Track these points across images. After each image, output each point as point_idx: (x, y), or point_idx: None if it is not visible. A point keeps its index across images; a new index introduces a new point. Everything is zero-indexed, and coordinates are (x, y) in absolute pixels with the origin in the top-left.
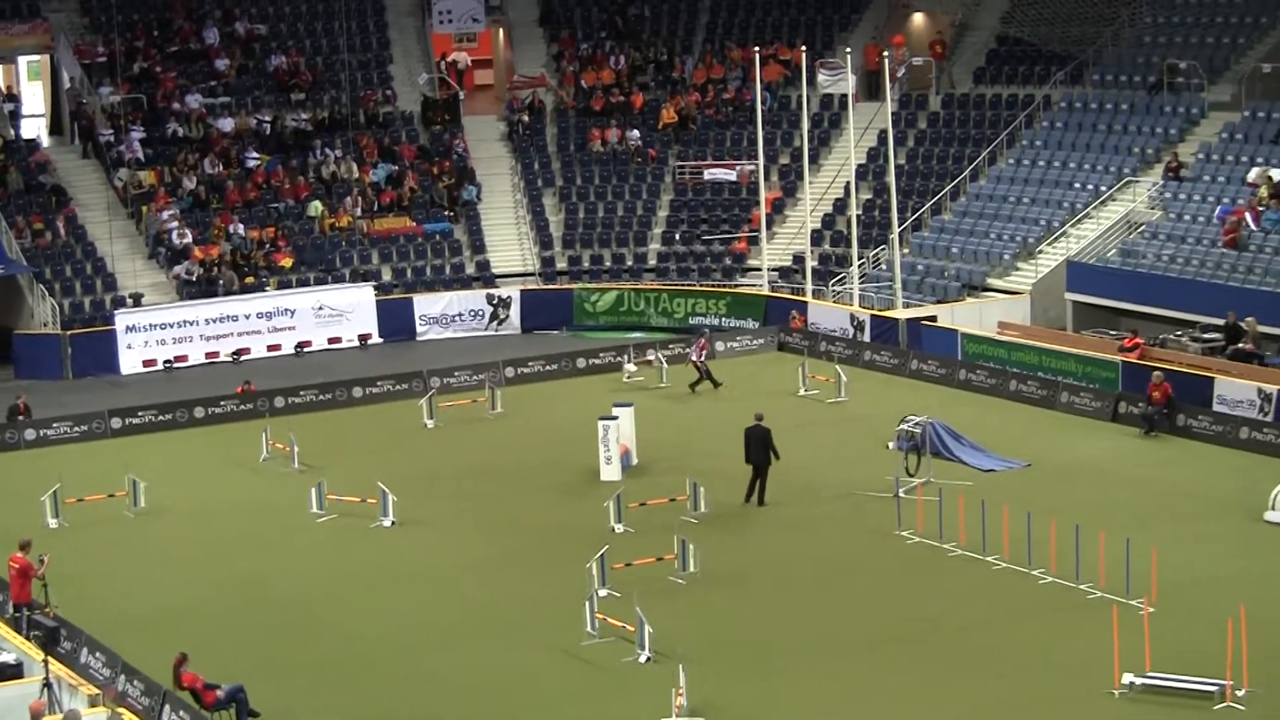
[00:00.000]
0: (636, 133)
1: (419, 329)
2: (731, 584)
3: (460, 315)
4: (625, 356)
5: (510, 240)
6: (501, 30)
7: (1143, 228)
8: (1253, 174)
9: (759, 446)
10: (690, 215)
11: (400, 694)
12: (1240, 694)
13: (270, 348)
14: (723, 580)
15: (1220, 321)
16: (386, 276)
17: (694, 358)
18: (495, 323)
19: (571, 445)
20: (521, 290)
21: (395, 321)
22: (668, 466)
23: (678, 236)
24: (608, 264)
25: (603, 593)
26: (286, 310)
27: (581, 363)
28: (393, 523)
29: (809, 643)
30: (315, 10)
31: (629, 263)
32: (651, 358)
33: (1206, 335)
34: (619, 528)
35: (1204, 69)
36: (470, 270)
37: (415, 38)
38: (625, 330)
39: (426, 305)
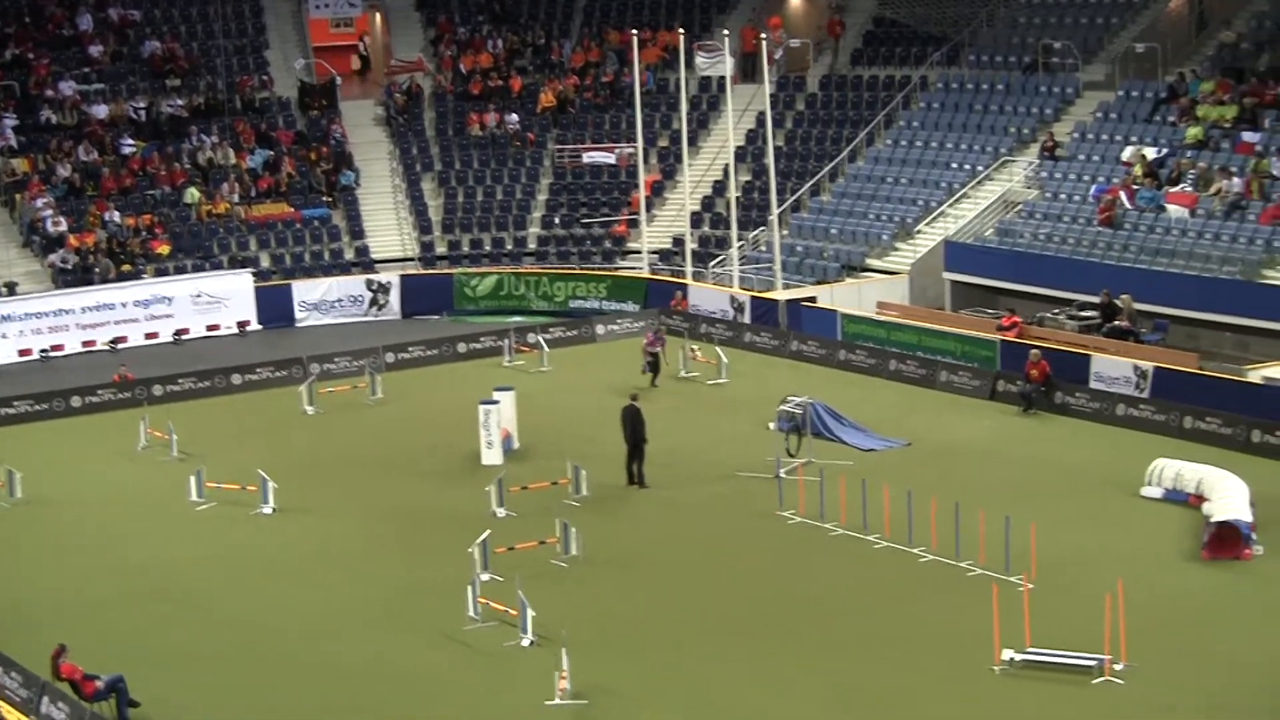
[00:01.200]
0: (515, 117)
1: (298, 315)
2: (614, 566)
3: (340, 301)
4: (505, 341)
5: (389, 225)
6: (379, 15)
7: (1019, 207)
8: (1127, 152)
9: (634, 426)
10: (570, 199)
11: (283, 681)
12: (1118, 668)
13: (148, 336)
14: (605, 563)
15: (1096, 299)
16: (265, 263)
17: (649, 348)
18: (375, 308)
19: (452, 430)
20: (401, 275)
21: (274, 308)
22: (549, 450)
23: (557, 220)
24: (487, 248)
25: (485, 577)
26: (164, 298)
27: (462, 347)
28: (273, 510)
29: (691, 624)
30: None
31: (509, 247)
32: (532, 342)
33: (1083, 313)
34: (501, 512)
35: (1078, 49)
36: (349, 256)
37: (291, 23)
38: (505, 314)
39: (305, 291)
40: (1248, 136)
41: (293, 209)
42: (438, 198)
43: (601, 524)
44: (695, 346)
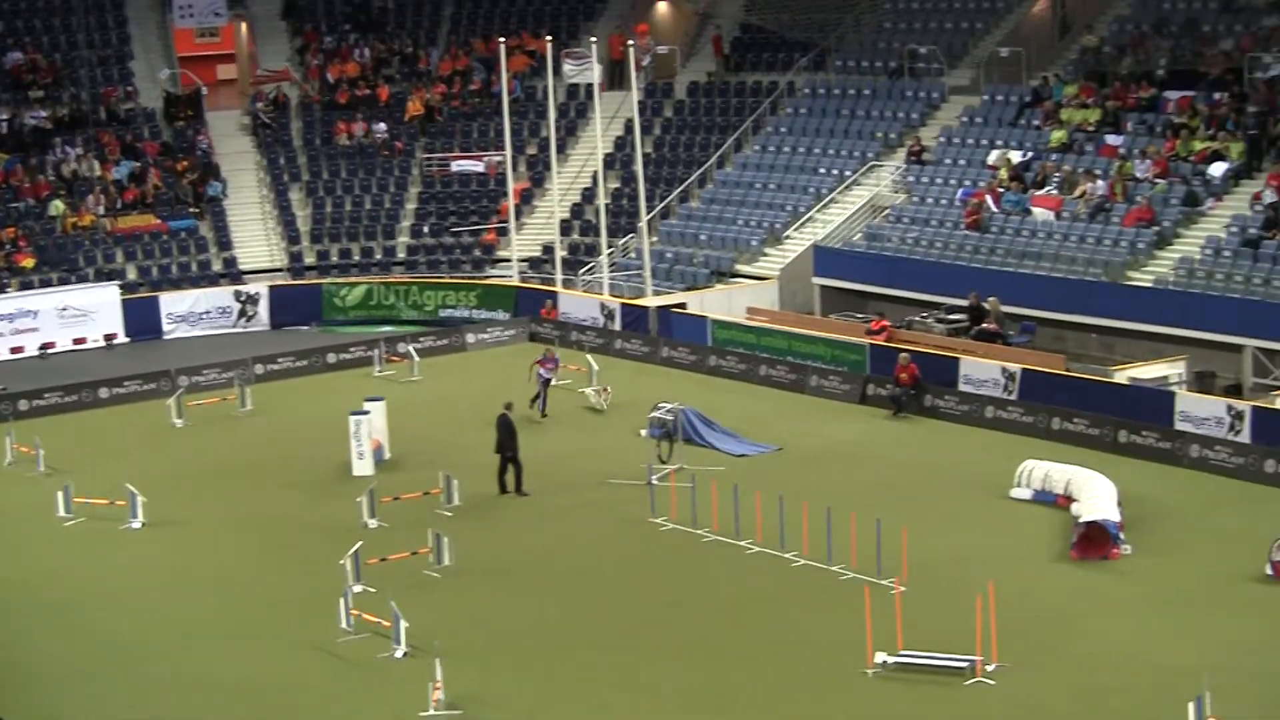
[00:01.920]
0: (383, 125)
1: (166, 328)
2: (487, 576)
3: (208, 313)
4: (376, 351)
5: (257, 236)
6: (244, 24)
7: (887, 211)
8: (992, 156)
9: (507, 435)
10: (439, 207)
11: (155, 695)
12: (990, 669)
13: (13, 350)
14: (478, 572)
15: (964, 302)
16: (131, 275)
17: (542, 374)
18: (244, 319)
19: (323, 441)
20: (270, 286)
21: (141, 320)
22: (421, 460)
23: (426, 229)
24: (356, 258)
25: (357, 589)
26: (29, 311)
27: (332, 358)
28: (142, 524)
29: (565, 632)
30: (53, 6)
31: (378, 256)
32: (402, 351)
33: (951, 316)
34: (373, 523)
35: (943, 54)
36: (217, 267)
37: (156, 33)
38: (375, 324)
39: (173, 303)
40: (1111, 139)
41: (159, 220)
42: (306, 208)
43: (474, 533)
44: (604, 387)
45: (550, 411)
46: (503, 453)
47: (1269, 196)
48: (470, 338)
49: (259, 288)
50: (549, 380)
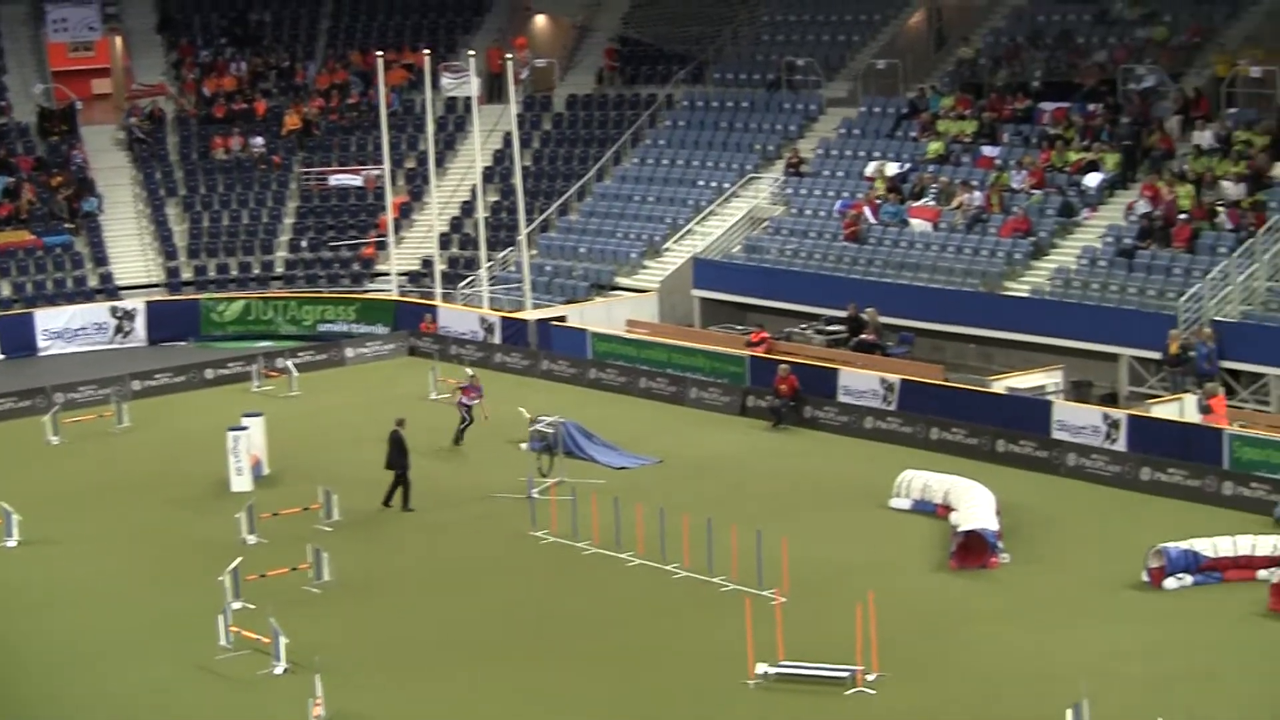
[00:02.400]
0: (260, 139)
1: (41, 344)
2: (367, 591)
3: (84, 329)
4: (254, 366)
5: (134, 251)
6: (119, 38)
7: (766, 223)
8: (870, 168)
9: (397, 451)
10: (317, 222)
11: (34, 716)
12: (870, 678)
13: None
14: (358, 587)
15: (843, 313)
16: (6, 291)
17: (463, 401)
18: (120, 335)
19: (201, 457)
20: (147, 302)
21: (16, 337)
22: (300, 475)
23: (305, 243)
24: (234, 273)
25: (236, 605)
26: None
27: (210, 373)
28: (17, 543)
29: (446, 646)
30: None
31: (256, 271)
32: (281, 366)
33: (830, 327)
34: (251, 539)
35: (821, 66)
36: (93, 283)
37: (29, 47)
38: (253, 339)
39: (48, 320)
40: (987, 151)
41: (34, 236)
42: (183, 222)
43: (354, 548)
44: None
45: (427, 424)
46: (394, 469)
47: (1143, 206)
48: (349, 352)
49: (136, 303)
50: (471, 408)
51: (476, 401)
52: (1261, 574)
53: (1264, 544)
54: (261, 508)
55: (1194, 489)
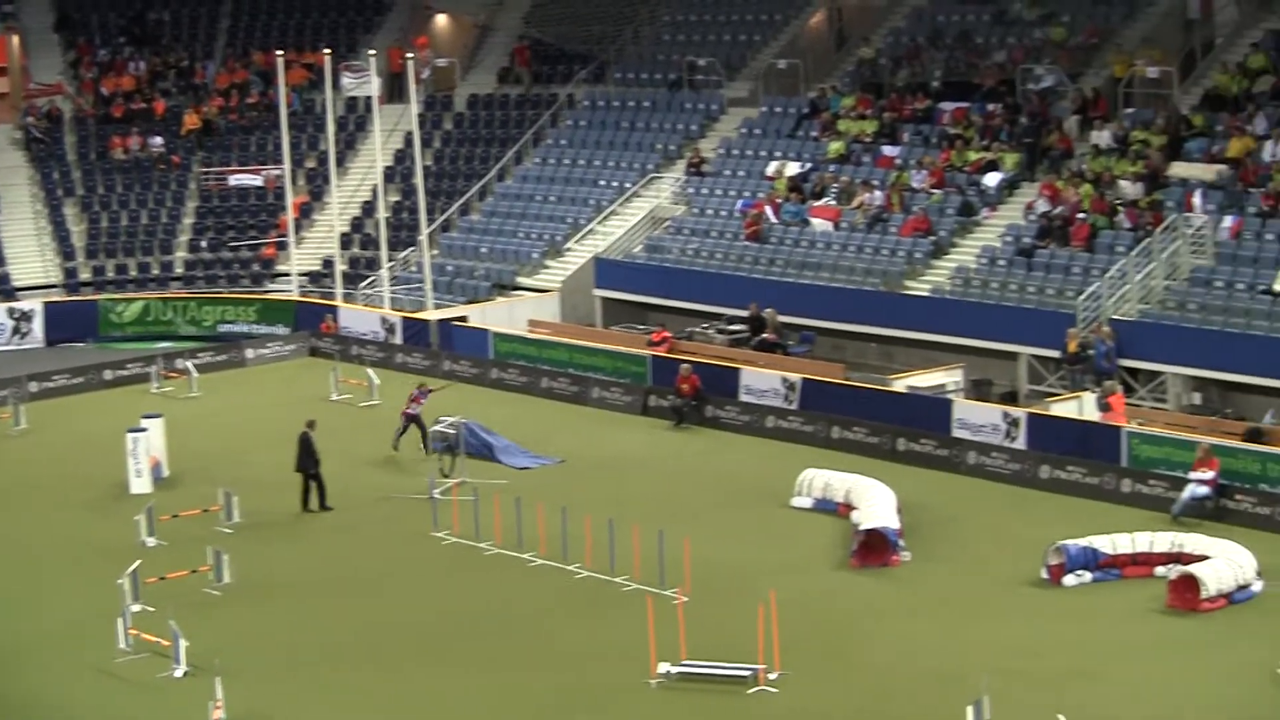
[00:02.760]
0: (159, 139)
1: None
2: (268, 592)
3: None
4: (153, 368)
5: (31, 252)
6: (16, 37)
7: (667, 223)
8: (771, 168)
9: (305, 453)
10: (217, 222)
11: None
12: (773, 677)
13: None
14: (259, 589)
15: (744, 313)
16: None
17: (407, 412)
18: (17, 336)
19: (100, 459)
20: (44, 303)
21: None
22: (200, 477)
23: (204, 244)
24: (133, 273)
25: (136, 608)
26: None
27: (109, 374)
28: None
29: (347, 648)
30: None
31: (155, 271)
32: (181, 367)
33: (731, 327)
34: (151, 541)
35: (722, 66)
36: None
37: None
38: (153, 340)
39: None
40: (888, 150)
41: None
42: (81, 223)
43: (254, 550)
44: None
45: (328, 425)
46: (304, 471)
47: (1042, 205)
48: (249, 353)
49: (33, 304)
50: (416, 416)
51: (419, 409)
52: (1159, 570)
53: (1162, 540)
54: (161, 510)
55: (1093, 486)
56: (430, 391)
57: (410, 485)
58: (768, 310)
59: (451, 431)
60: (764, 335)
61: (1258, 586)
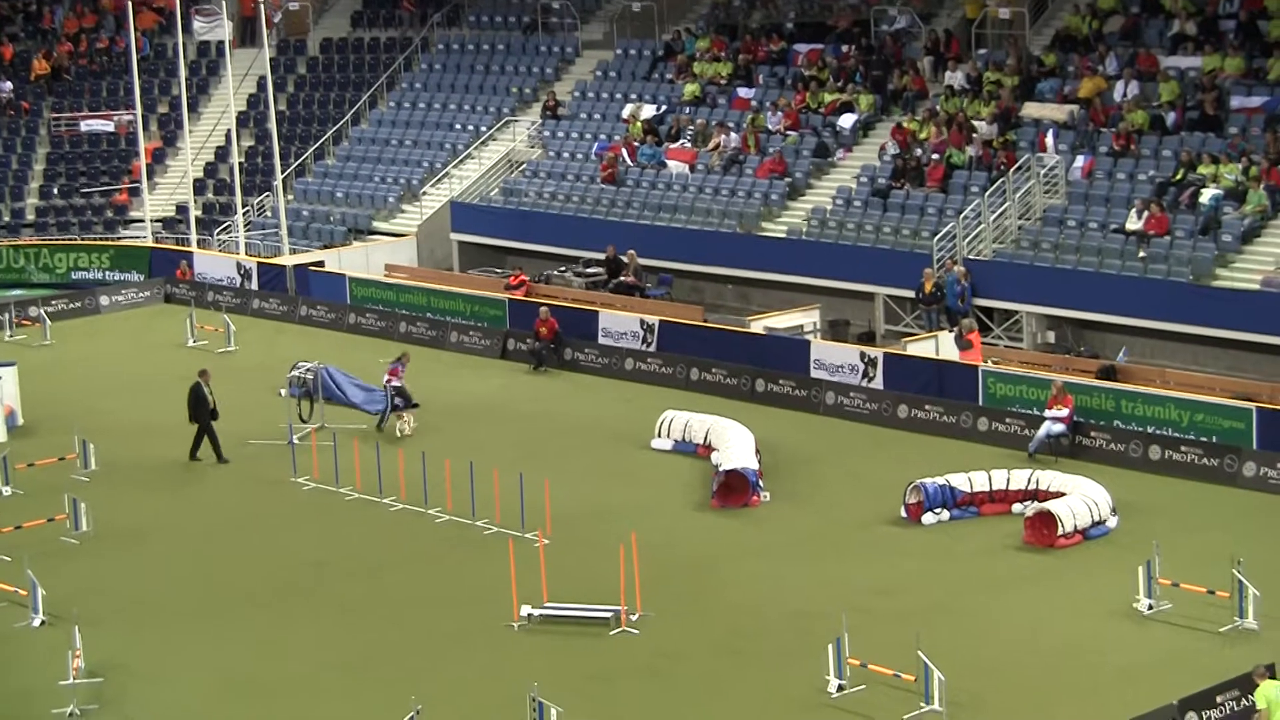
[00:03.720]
0: (8, 85)
1: None
2: (126, 541)
3: None
4: (5, 315)
5: None
6: None
7: (523, 166)
8: (626, 110)
9: (198, 403)
10: (68, 168)
11: None
12: (634, 618)
13: None
14: (117, 537)
15: (602, 256)
16: None
17: (391, 382)
18: None
19: None
20: None
21: None
22: (55, 425)
23: (56, 190)
24: None
25: None
26: None
27: None
28: None
29: (208, 595)
30: None
31: (5, 219)
32: (34, 315)
33: (589, 270)
34: (6, 490)
35: (576, 9)
36: None
37: None
38: (5, 288)
39: None
40: (743, 92)
41: None
42: None
43: (112, 498)
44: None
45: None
46: (196, 422)
47: (892, 149)
48: (104, 300)
49: None
50: (400, 388)
51: (400, 382)
52: (1016, 508)
53: (1018, 478)
54: (16, 458)
55: (950, 425)
56: (407, 360)
57: (268, 431)
58: (628, 253)
59: (309, 377)
60: (622, 278)
61: (1112, 523)
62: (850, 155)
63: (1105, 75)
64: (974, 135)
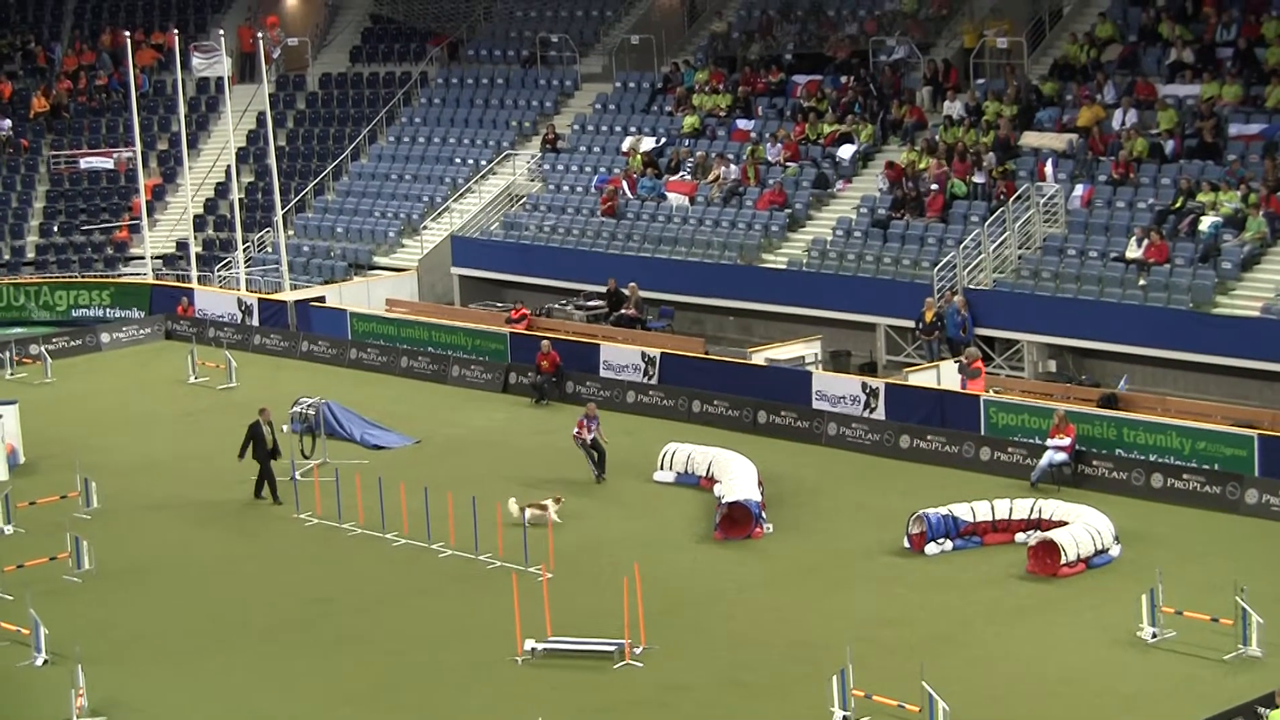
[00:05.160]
0: (8, 122)
1: None
2: (129, 578)
3: None
4: (6, 353)
5: None
6: None
7: (523, 200)
8: (626, 143)
9: (258, 443)
10: (68, 205)
11: None
12: (638, 651)
13: None
14: (120, 576)
15: (602, 289)
16: None
17: (584, 437)
18: None
19: None
20: None
21: None
22: (57, 463)
23: (56, 228)
24: None
25: None
26: None
27: None
28: None
29: (211, 632)
30: None
31: (6, 257)
32: (34, 353)
33: (590, 303)
34: (8, 529)
35: (575, 42)
36: None
37: None
38: (6, 326)
39: None
40: (742, 124)
41: None
42: None
43: (114, 536)
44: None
45: (185, 408)
46: (258, 461)
47: (882, 184)
48: (105, 337)
49: None
50: (592, 440)
51: (594, 432)
52: (1019, 537)
53: (1021, 507)
54: (18, 497)
55: (952, 455)
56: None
57: (272, 468)
58: (630, 285)
59: (311, 412)
60: (623, 310)
61: (1115, 551)
62: (850, 186)
63: (1104, 104)
64: (981, 164)
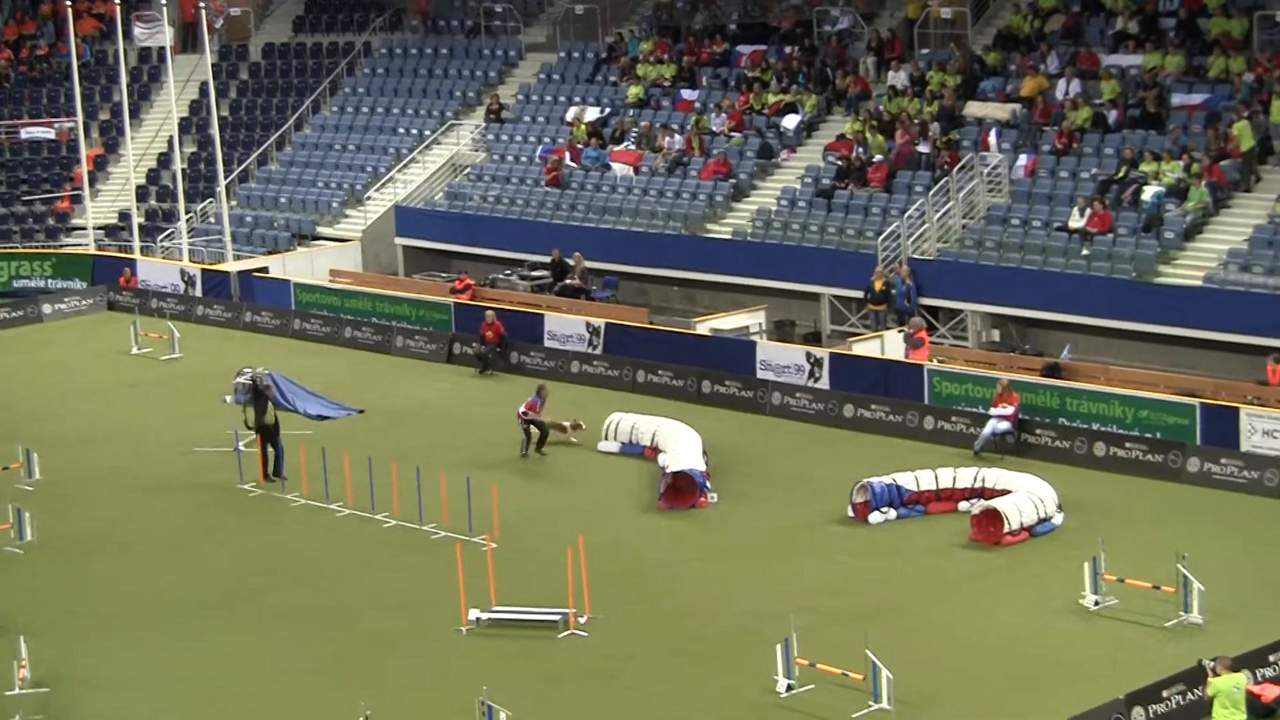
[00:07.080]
0: None
1: None
2: (72, 550)
3: None
4: None
5: None
6: None
7: (467, 170)
8: (570, 113)
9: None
10: (9, 176)
11: None
12: (583, 621)
13: None
14: (63, 547)
15: (547, 259)
16: None
17: (530, 415)
18: None
19: None
20: None
21: None
22: None
23: None
24: None
25: None
26: None
27: None
28: None
29: (155, 604)
30: None
31: None
32: None
33: (534, 273)
34: None
35: (519, 12)
36: None
37: None
38: None
39: None
40: (687, 94)
41: None
42: None
43: (57, 507)
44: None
45: (129, 379)
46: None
47: (833, 158)
48: (46, 308)
49: None
50: (537, 421)
51: (537, 414)
52: (963, 505)
53: (965, 476)
54: None
55: (896, 424)
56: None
57: (214, 438)
58: (574, 255)
59: (253, 383)
60: (567, 281)
61: (1058, 519)
62: (794, 156)
63: (1047, 74)
64: (928, 134)
